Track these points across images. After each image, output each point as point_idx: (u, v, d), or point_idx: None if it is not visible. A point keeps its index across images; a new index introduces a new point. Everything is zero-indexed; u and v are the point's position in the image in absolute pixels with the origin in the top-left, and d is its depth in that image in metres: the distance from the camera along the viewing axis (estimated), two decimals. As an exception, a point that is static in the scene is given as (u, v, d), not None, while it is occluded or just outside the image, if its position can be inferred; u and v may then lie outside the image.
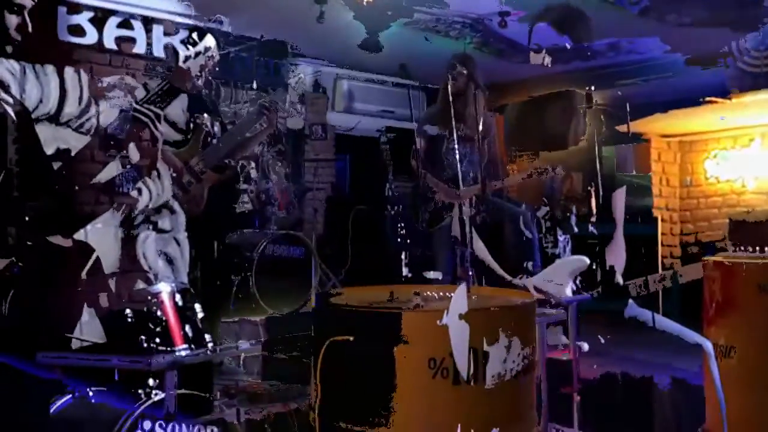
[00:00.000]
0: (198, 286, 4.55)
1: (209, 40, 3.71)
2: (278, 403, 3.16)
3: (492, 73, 4.37)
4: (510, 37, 6.18)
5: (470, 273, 4.38)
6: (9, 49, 3.45)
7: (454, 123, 4.28)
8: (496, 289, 2.63)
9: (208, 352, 2.86)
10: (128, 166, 4.21)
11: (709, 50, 5.41)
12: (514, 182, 5.67)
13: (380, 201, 6.13)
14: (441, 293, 2.77)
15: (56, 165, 4.17)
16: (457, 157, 4.39)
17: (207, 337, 3.26)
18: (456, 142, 4.38)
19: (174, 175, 3.51)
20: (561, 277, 3.88)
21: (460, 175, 4.32)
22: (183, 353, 2.91)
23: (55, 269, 4.07)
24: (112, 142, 4.08)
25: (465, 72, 4.16)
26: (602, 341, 3.97)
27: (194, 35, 3.81)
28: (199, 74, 3.64)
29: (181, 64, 3.68)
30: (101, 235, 3.48)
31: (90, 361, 2.90)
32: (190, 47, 3.69)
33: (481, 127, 4.23)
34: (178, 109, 3.64)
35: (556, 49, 6.67)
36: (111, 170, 4.02)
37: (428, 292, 2.73)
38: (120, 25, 4.20)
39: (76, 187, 4.04)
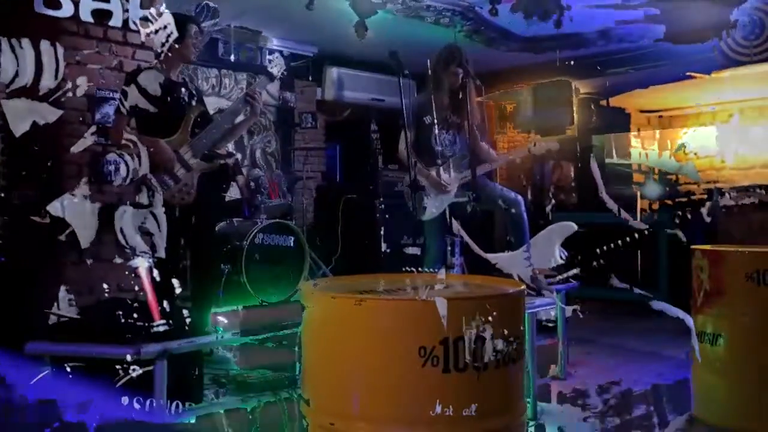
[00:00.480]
0: (187, 275, 4.54)
1: (167, 18, 3.67)
2: (268, 392, 3.16)
3: (482, 62, 4.34)
4: (501, 25, 6.16)
5: (461, 262, 4.38)
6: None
7: (443, 113, 4.28)
8: (486, 278, 2.64)
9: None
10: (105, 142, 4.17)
11: (699, 38, 5.41)
12: (504, 161, 5.65)
13: (370, 189, 6.12)
14: (432, 282, 2.77)
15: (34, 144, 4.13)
16: (446, 144, 4.40)
17: (185, 312, 3.25)
18: (446, 131, 4.38)
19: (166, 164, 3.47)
20: (552, 242, 3.93)
21: (438, 167, 4.32)
22: (161, 329, 2.92)
23: (42, 257, 4.04)
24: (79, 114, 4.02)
25: (458, 64, 4.14)
26: (580, 315, 4.01)
27: (153, 11, 3.79)
28: (160, 51, 3.61)
29: (143, 38, 3.66)
30: (77, 209, 3.45)
31: (79, 350, 2.89)
32: (150, 24, 3.66)
33: (471, 116, 4.22)
34: (154, 83, 3.59)
35: (548, 38, 6.67)
36: (86, 141, 3.99)
37: (420, 282, 2.73)
38: (97, -2, 4.11)
39: (64, 175, 4.01)
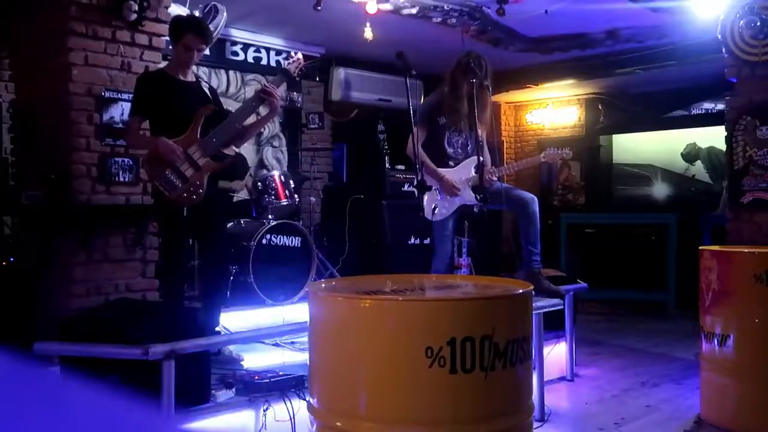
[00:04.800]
0: (196, 275, 4.55)
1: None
2: (275, 393, 3.16)
3: (490, 62, 4.33)
4: (508, 25, 6.15)
5: (468, 262, 4.38)
6: None
7: (457, 115, 4.28)
8: (494, 279, 2.63)
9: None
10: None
11: (707, 38, 5.39)
12: (513, 170, 5.67)
13: (378, 190, 6.12)
14: (439, 283, 2.77)
15: (43, 144, 4.17)
16: (457, 146, 4.40)
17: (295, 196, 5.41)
18: (459, 133, 4.38)
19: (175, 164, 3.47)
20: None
21: (449, 168, 4.33)
22: (285, 202, 5.26)
23: (51, 257, 4.06)
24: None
25: (477, 72, 4.12)
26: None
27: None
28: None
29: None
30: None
31: (87, 350, 2.90)
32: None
33: (483, 120, 4.21)
34: (162, 83, 3.61)
35: (555, 38, 6.65)
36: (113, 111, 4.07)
37: (427, 282, 2.73)
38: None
39: (72, 176, 4.02)
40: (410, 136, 4.09)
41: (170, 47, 3.85)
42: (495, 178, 4.35)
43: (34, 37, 4.30)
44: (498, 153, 4.75)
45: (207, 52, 5.31)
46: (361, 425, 1.95)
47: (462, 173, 4.32)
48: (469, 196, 4.26)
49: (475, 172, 4.21)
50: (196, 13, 4.87)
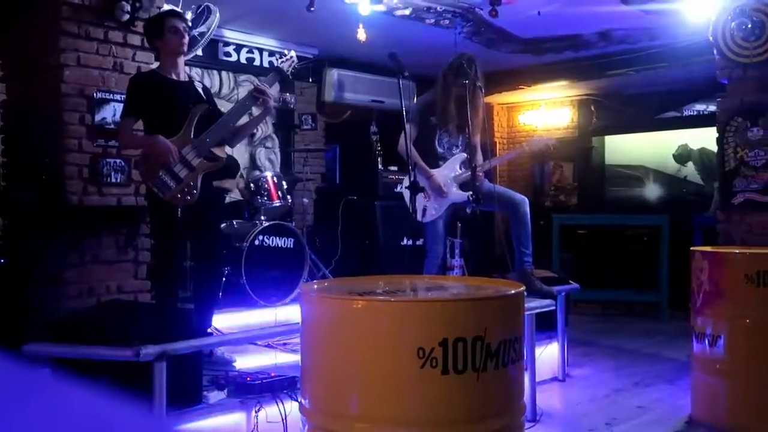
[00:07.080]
0: (189, 276, 4.54)
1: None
2: (267, 394, 3.16)
3: (483, 63, 4.34)
4: (501, 26, 6.17)
5: (460, 263, 4.39)
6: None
7: (448, 116, 4.30)
8: (485, 279, 2.64)
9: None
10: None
11: (699, 40, 5.42)
12: (499, 162, 5.69)
13: (370, 191, 6.12)
14: (431, 284, 2.78)
15: (34, 145, 4.16)
16: (448, 147, 4.41)
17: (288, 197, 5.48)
18: (449, 134, 4.39)
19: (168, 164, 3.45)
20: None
21: (440, 168, 4.34)
22: (277, 203, 5.31)
23: (42, 258, 4.04)
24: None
25: (468, 74, 4.13)
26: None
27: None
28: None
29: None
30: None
31: (78, 352, 2.89)
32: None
33: (474, 120, 4.23)
34: (155, 83, 3.60)
35: (548, 39, 6.67)
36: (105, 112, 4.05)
37: (419, 283, 2.73)
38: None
39: (64, 177, 4.00)
40: (401, 133, 4.10)
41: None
42: (482, 173, 4.37)
43: (26, 37, 4.28)
44: (490, 153, 4.78)
45: (200, 52, 5.33)
46: (353, 426, 1.95)
47: (448, 171, 4.34)
48: (457, 195, 4.28)
49: (462, 169, 4.24)
50: (189, 14, 4.86)
